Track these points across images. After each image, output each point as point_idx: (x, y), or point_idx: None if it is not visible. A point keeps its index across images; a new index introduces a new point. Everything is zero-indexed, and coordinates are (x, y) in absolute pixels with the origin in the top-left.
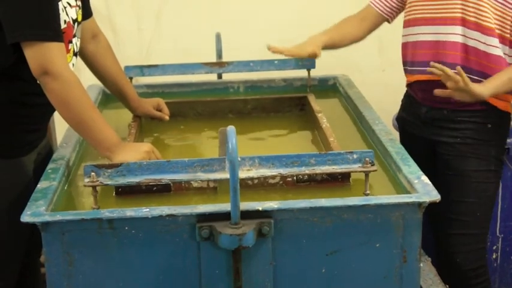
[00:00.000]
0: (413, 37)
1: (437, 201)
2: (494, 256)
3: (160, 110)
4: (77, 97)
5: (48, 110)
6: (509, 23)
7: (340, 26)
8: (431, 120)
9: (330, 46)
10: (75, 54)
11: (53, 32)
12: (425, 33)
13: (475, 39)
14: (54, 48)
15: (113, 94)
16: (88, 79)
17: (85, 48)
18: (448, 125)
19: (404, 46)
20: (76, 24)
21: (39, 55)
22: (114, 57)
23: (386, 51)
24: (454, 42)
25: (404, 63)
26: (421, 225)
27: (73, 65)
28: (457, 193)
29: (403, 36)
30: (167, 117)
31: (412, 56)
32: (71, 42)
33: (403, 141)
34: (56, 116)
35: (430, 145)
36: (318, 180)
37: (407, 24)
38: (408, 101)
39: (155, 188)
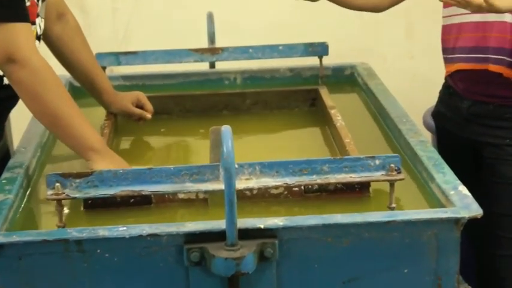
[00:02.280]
0: (459, 18)
1: (479, 216)
2: None
3: (140, 107)
4: (50, 88)
5: (6, 106)
6: None
7: None
8: (474, 117)
9: None
10: (38, 38)
11: (17, 9)
12: (472, 13)
13: None
14: (20, 30)
15: (82, 87)
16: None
17: (49, 31)
18: (495, 123)
19: (447, 29)
20: (40, 1)
21: (1, 39)
22: (85, 41)
23: (415, 34)
24: (503, 23)
25: (445, 50)
26: (458, 246)
27: None
28: (505, 205)
29: (444, 17)
30: (149, 116)
31: (454, 41)
32: (34, 23)
33: (439, 143)
34: (12, 114)
35: (474, 147)
36: (330, 191)
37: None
38: (447, 93)
39: (132, 200)
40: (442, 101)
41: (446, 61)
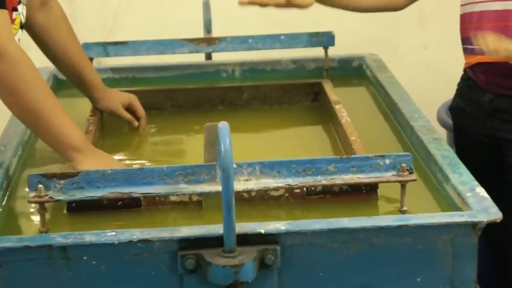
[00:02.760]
0: (480, 6)
1: (498, 220)
2: None
3: (131, 112)
4: (29, 81)
5: None
6: None
7: None
8: (496, 112)
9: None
10: (21, 27)
11: None
12: (493, 0)
13: None
14: None
15: (68, 80)
16: (35, 60)
17: (32, 19)
18: None
19: (467, 18)
20: None
21: None
22: (71, 30)
23: (429, 22)
24: None
25: (465, 40)
26: (476, 253)
27: (18, 40)
28: None
29: (463, 5)
30: (137, 124)
31: (475, 31)
32: (15, 10)
33: (457, 140)
34: None
35: (495, 145)
36: (334, 193)
37: None
38: (466, 85)
39: (120, 202)
40: (461, 95)
41: (466, 52)
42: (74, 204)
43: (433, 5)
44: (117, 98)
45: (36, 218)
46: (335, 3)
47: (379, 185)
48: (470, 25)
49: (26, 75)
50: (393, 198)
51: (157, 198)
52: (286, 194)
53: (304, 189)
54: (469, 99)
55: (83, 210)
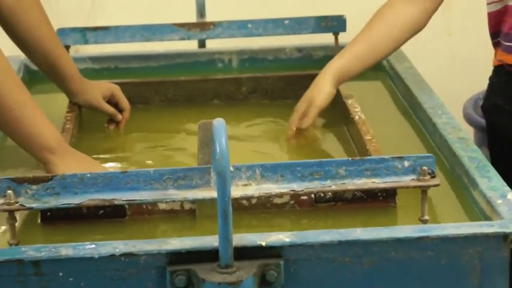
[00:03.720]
0: None
1: None
2: None
3: (114, 104)
4: None
5: None
6: None
7: (372, 37)
8: None
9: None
10: None
11: None
12: None
13: None
14: None
15: (41, 71)
16: (3, 48)
17: (0, 1)
18: None
19: (502, 10)
20: None
21: None
22: (44, 14)
23: (453, 5)
24: None
25: (496, 35)
26: (507, 268)
27: None
28: None
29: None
30: (120, 117)
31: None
32: None
33: (492, 141)
34: None
35: None
36: (346, 200)
37: None
38: (503, 80)
39: (102, 211)
40: (498, 91)
41: (501, 48)
42: (49, 213)
43: None
44: (97, 90)
45: (5, 229)
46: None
47: (399, 191)
48: (507, 18)
49: None
50: (415, 205)
51: (144, 206)
52: (292, 202)
53: (312, 195)
54: (506, 95)
55: (60, 220)
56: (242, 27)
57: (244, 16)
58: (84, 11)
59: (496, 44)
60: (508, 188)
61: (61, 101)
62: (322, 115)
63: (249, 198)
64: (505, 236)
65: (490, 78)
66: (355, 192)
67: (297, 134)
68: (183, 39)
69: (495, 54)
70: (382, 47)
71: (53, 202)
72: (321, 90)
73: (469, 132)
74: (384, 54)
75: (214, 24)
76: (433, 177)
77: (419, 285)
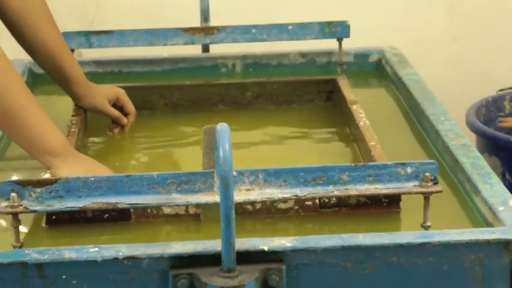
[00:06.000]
0: None
1: None
2: None
3: (119, 108)
4: (0, 76)
5: None
6: None
7: None
8: None
9: None
10: None
11: None
12: None
13: None
14: None
15: (48, 75)
16: (7, 50)
17: (6, 5)
18: None
19: None
20: None
21: None
22: (51, 18)
23: (458, 10)
24: None
25: None
26: (508, 276)
27: None
28: None
29: None
30: (125, 121)
31: None
32: None
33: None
34: None
35: None
36: (351, 206)
37: None
38: None
39: (107, 215)
40: None
41: None
42: (54, 217)
43: None
44: (103, 94)
45: (9, 231)
46: None
47: (403, 196)
48: None
49: None
50: (419, 211)
51: (148, 210)
52: (296, 207)
53: (317, 201)
54: None
55: (64, 223)
56: (246, 32)
57: (248, 21)
58: (88, 14)
59: None
60: (510, 194)
61: (65, 103)
62: (327, 120)
63: (253, 203)
64: (506, 243)
65: None
66: (360, 198)
67: None
68: (187, 43)
69: None
70: None
71: (57, 205)
72: None
73: (471, 139)
74: None
75: (218, 29)
76: (435, 183)
77: None
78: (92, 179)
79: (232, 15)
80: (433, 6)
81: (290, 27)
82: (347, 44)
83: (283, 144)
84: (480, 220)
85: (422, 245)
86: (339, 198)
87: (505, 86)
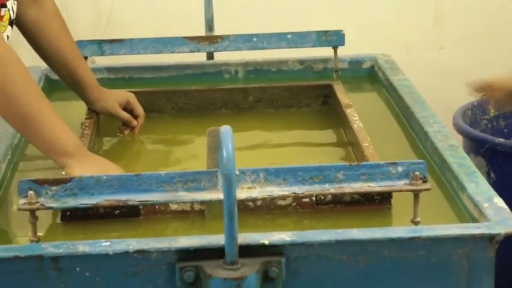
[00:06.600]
0: None
1: None
2: None
3: (129, 111)
4: (18, 82)
5: None
6: None
7: None
8: None
9: None
10: (11, 23)
11: None
12: None
13: None
14: None
15: (62, 80)
16: (25, 58)
17: (23, 15)
18: None
19: None
20: None
21: None
22: (65, 27)
23: (446, 19)
24: None
25: None
26: (493, 268)
27: (7, 37)
28: None
29: None
30: (135, 123)
31: None
32: (4, 6)
33: None
34: None
35: None
36: (345, 202)
37: None
38: None
39: (118, 211)
40: None
41: None
42: (68, 213)
43: (451, 0)
44: (114, 98)
45: (27, 227)
46: None
47: (394, 194)
48: None
49: (15, 76)
50: (409, 208)
51: (157, 207)
52: (294, 204)
53: (314, 198)
54: None
55: (78, 219)
56: (248, 41)
57: (250, 30)
58: (100, 24)
59: None
60: (494, 192)
61: (79, 108)
62: (323, 123)
63: (254, 200)
64: (491, 237)
65: None
66: (354, 195)
67: None
68: (193, 51)
69: None
70: None
71: (71, 202)
72: None
73: (458, 140)
74: None
75: (222, 38)
76: (424, 181)
77: (411, 282)
78: (104, 177)
79: (235, 25)
80: (422, 17)
81: (289, 36)
82: (342, 51)
83: (282, 145)
84: (466, 216)
85: (412, 239)
86: (334, 195)
87: None
